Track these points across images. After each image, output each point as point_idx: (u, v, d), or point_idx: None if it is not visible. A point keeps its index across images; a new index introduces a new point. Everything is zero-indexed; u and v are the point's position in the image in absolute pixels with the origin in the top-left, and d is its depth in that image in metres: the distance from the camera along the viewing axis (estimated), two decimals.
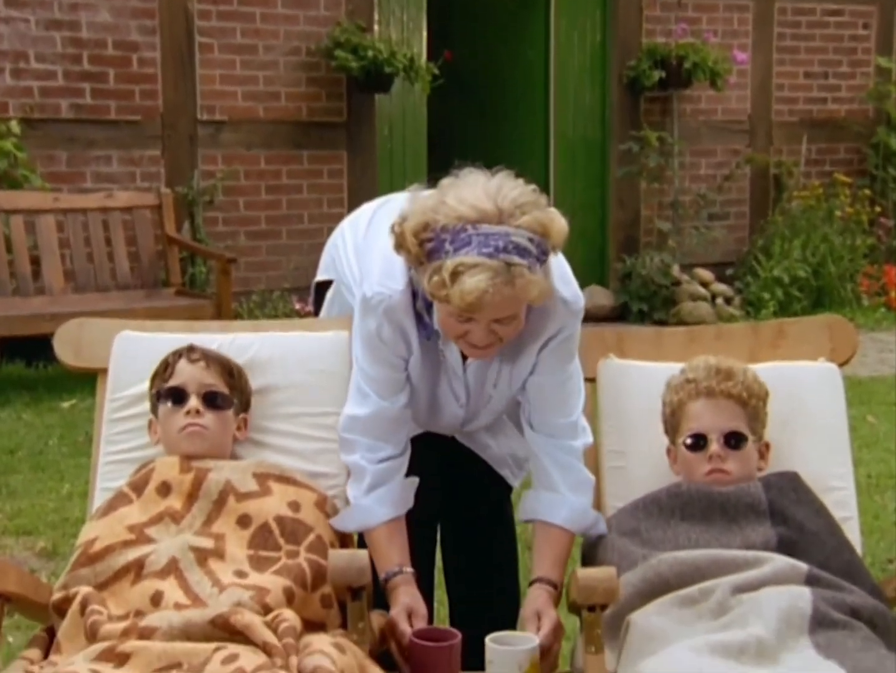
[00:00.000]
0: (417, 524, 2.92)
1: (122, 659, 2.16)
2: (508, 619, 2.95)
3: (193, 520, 2.45)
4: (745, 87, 9.77)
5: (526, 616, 2.53)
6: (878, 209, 10.01)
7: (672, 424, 2.60)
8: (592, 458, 2.74)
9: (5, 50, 7.30)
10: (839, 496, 2.60)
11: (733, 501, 2.46)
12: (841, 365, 2.80)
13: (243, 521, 2.45)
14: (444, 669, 2.37)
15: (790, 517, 2.45)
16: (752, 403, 2.54)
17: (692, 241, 9.42)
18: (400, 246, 2.36)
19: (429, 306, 2.46)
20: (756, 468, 2.57)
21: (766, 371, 2.75)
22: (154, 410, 2.63)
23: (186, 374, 2.59)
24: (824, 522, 2.49)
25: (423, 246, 2.30)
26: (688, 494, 2.51)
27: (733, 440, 2.52)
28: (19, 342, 6.98)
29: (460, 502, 2.91)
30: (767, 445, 2.61)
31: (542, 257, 2.32)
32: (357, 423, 2.58)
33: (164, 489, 2.49)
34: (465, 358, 2.56)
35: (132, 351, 2.78)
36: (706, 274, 9.44)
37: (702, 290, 9.26)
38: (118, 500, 2.52)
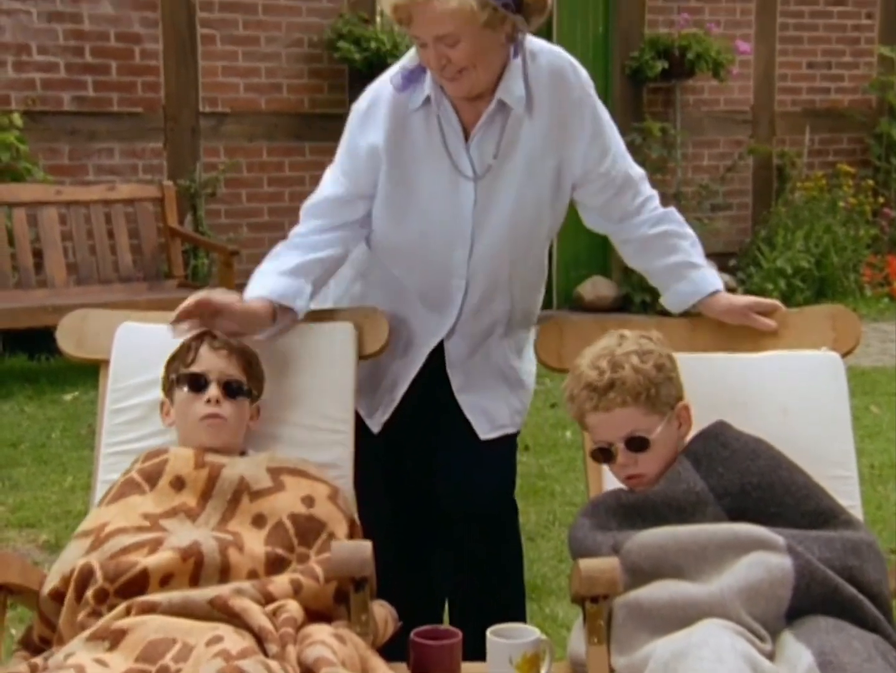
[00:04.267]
0: (414, 511, 2.93)
1: (118, 636, 2.14)
2: (515, 609, 2.94)
3: (209, 518, 2.42)
4: (748, 78, 9.75)
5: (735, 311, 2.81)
6: (881, 199, 10.00)
7: None
8: None
9: (8, 42, 7.30)
10: (842, 485, 2.57)
11: (670, 495, 2.41)
12: (844, 355, 2.77)
13: (258, 521, 2.42)
14: (445, 668, 2.36)
15: (729, 483, 2.40)
16: (644, 396, 2.42)
17: (695, 231, 9.33)
18: None
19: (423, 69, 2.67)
20: (680, 438, 2.49)
21: (769, 360, 2.74)
22: (169, 393, 2.60)
23: (208, 361, 2.56)
24: (765, 464, 2.43)
25: None
26: (628, 504, 2.46)
27: (634, 445, 2.44)
28: (22, 335, 7.00)
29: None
30: (686, 407, 2.50)
31: None
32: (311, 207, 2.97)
33: (178, 484, 2.45)
34: (466, 138, 2.72)
35: (134, 341, 2.78)
36: None
37: None
38: (129, 487, 2.46)
